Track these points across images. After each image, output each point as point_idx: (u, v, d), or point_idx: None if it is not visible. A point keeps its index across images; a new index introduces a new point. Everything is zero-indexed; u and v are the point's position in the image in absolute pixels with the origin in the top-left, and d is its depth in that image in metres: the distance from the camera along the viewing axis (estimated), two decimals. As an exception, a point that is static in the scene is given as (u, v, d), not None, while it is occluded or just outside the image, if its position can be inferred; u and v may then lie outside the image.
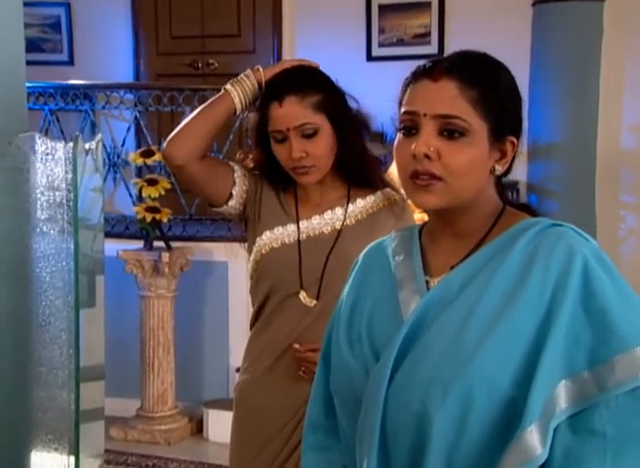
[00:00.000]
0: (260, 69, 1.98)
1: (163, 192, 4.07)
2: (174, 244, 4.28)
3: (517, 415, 1.12)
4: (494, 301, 1.18)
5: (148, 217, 4.07)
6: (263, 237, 1.98)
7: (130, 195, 4.55)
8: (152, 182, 4.09)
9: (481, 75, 1.22)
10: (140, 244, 4.27)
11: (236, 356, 2.08)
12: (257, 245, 1.99)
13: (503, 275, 1.19)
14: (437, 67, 1.22)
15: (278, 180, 2.01)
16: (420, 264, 1.28)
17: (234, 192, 2.00)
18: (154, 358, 4.17)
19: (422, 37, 5.03)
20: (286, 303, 1.96)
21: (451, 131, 1.19)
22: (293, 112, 1.89)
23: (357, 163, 1.97)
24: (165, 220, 4.14)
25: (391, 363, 1.20)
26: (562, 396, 1.14)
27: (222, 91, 1.98)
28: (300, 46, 5.20)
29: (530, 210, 1.32)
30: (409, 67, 1.30)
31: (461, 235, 1.27)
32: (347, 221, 1.98)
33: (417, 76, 1.24)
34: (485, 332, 1.15)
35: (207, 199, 2.04)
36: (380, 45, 5.11)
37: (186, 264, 4.24)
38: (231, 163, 2.04)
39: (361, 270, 1.37)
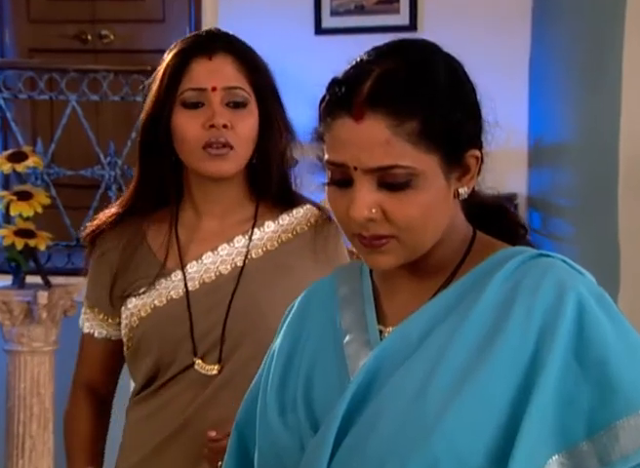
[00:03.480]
0: None
1: (40, 210, 4.04)
2: (54, 279, 4.24)
3: None
4: (463, 354, 1.21)
5: (19, 244, 4.03)
6: (141, 293, 1.95)
7: (-7, 213, 4.51)
8: (24, 196, 4.06)
9: (415, 96, 1.21)
10: (7, 280, 4.23)
11: (139, 431, 2.08)
12: (131, 306, 1.96)
13: (475, 320, 1.22)
14: (356, 100, 1.21)
15: (160, 197, 1.98)
16: (373, 310, 1.32)
17: (110, 334, 2.04)
18: (25, 436, 4.12)
19: (389, 3, 5.09)
20: (179, 377, 1.94)
21: (391, 184, 1.21)
22: (225, 70, 1.91)
23: (276, 171, 1.96)
24: (42, 248, 4.10)
25: (334, 433, 1.22)
26: None
27: None
28: (224, 13, 5.20)
29: (506, 213, 1.37)
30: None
31: (425, 273, 1.30)
32: (253, 253, 1.96)
33: (333, 107, 1.24)
34: (452, 393, 1.18)
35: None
36: (333, 13, 5.15)
37: (72, 307, 4.20)
38: (84, 335, 2.08)
39: (297, 318, 1.40)
